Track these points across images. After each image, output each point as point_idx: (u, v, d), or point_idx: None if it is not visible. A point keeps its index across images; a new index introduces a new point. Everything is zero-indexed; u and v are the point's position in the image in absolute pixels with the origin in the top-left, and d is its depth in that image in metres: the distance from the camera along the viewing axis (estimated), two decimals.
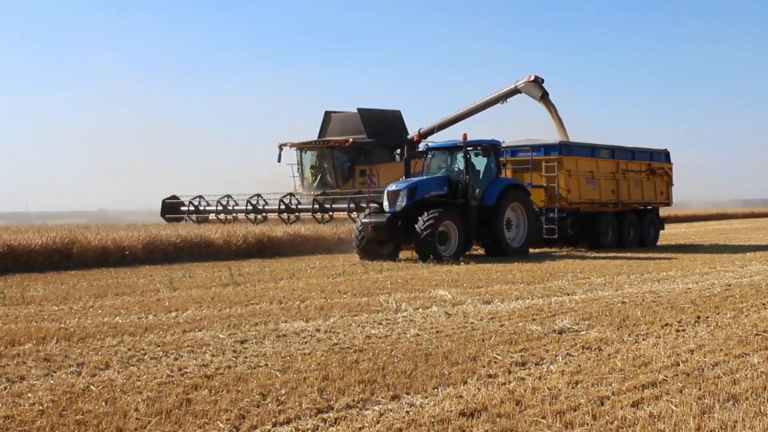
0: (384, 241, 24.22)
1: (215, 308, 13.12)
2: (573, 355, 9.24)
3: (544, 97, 34.87)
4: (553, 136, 32.77)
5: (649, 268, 19.82)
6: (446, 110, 39.95)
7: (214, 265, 22.27)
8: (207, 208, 37.23)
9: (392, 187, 24.51)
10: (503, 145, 27.95)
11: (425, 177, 25.18)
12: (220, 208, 36.45)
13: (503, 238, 25.00)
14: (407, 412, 6.96)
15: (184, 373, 8.43)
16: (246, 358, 9.15)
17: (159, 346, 9.86)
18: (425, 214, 23.17)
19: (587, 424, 6.62)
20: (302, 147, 38.81)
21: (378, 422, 6.70)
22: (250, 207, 35.21)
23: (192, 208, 37.70)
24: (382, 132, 38.54)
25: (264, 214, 34.70)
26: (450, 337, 10.37)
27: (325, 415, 6.89)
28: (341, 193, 34.27)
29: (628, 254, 25.95)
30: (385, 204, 24.25)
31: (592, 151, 29.73)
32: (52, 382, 8.07)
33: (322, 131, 40.64)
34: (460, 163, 25.11)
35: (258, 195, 35.30)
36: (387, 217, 23.63)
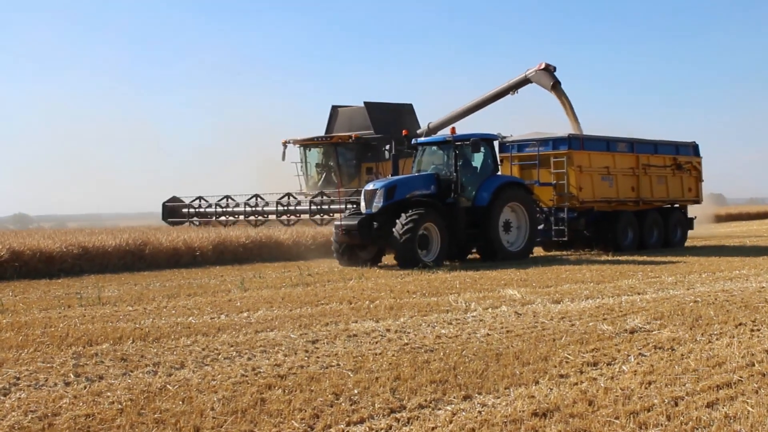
0: (364, 246, 22.30)
1: (286, 308, 13.26)
2: (645, 355, 9.17)
3: (556, 87, 32.95)
4: (566, 130, 30.31)
5: (720, 267, 19.55)
6: (465, 102, 37.71)
7: (284, 266, 22.48)
8: (208, 209, 36.21)
9: (369, 186, 22.65)
10: (509, 139, 26.61)
11: (408, 175, 23.52)
12: (219, 209, 35.41)
13: (498, 242, 22.91)
14: (479, 412, 6.99)
15: (258, 372, 8.55)
16: (318, 357, 9.25)
17: (232, 346, 10.01)
18: (403, 215, 21.24)
19: (661, 424, 6.58)
20: (305, 144, 37.25)
21: (451, 422, 6.74)
22: (248, 209, 34.16)
23: (192, 210, 36.72)
24: (391, 126, 36.06)
25: (264, 216, 33.65)
26: (520, 336, 10.36)
27: (398, 415, 6.94)
28: (342, 192, 32.33)
29: (689, 256, 25.47)
30: (362, 205, 22.32)
31: (607, 144, 27.40)
32: (129, 381, 8.25)
33: (329, 127, 39.30)
34: (451, 160, 23.08)
35: (257, 195, 34.20)
36: (359, 219, 21.73)
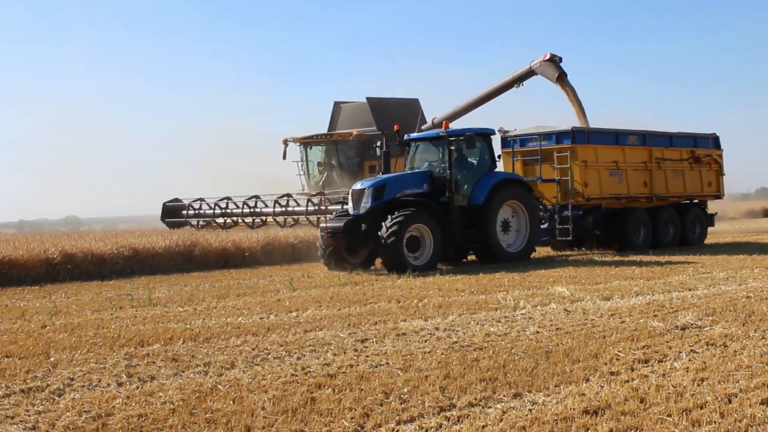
0: (354, 249, 21.00)
1: (334, 308, 13.31)
2: (697, 352, 9.07)
3: (561, 78, 31.60)
4: (572, 123, 28.32)
5: None
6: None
7: None
8: (208, 211, 34.90)
9: (357, 185, 21.23)
10: (512, 134, 25.64)
11: (398, 173, 22.29)
12: (218, 211, 34.21)
13: (496, 242, 21.45)
14: (530, 410, 6.96)
15: (308, 372, 8.59)
16: (367, 357, 9.27)
17: (282, 345, 10.06)
18: (389, 217, 19.84)
19: (715, 422, 6.51)
20: (306, 142, 35.79)
21: (501, 420, 6.72)
22: (247, 210, 33.00)
23: (192, 211, 35.47)
24: (395, 123, 31.94)
25: (263, 218, 32.56)
26: (570, 334, 10.30)
27: (448, 413, 6.93)
28: (327, 193, 29.88)
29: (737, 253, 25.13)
30: (350, 205, 20.99)
31: (616, 137, 25.87)
32: (181, 381, 8.32)
33: (332, 124, 38.15)
34: (445, 156, 21.54)
35: (256, 197, 33.00)
36: (346, 221, 20.41)
